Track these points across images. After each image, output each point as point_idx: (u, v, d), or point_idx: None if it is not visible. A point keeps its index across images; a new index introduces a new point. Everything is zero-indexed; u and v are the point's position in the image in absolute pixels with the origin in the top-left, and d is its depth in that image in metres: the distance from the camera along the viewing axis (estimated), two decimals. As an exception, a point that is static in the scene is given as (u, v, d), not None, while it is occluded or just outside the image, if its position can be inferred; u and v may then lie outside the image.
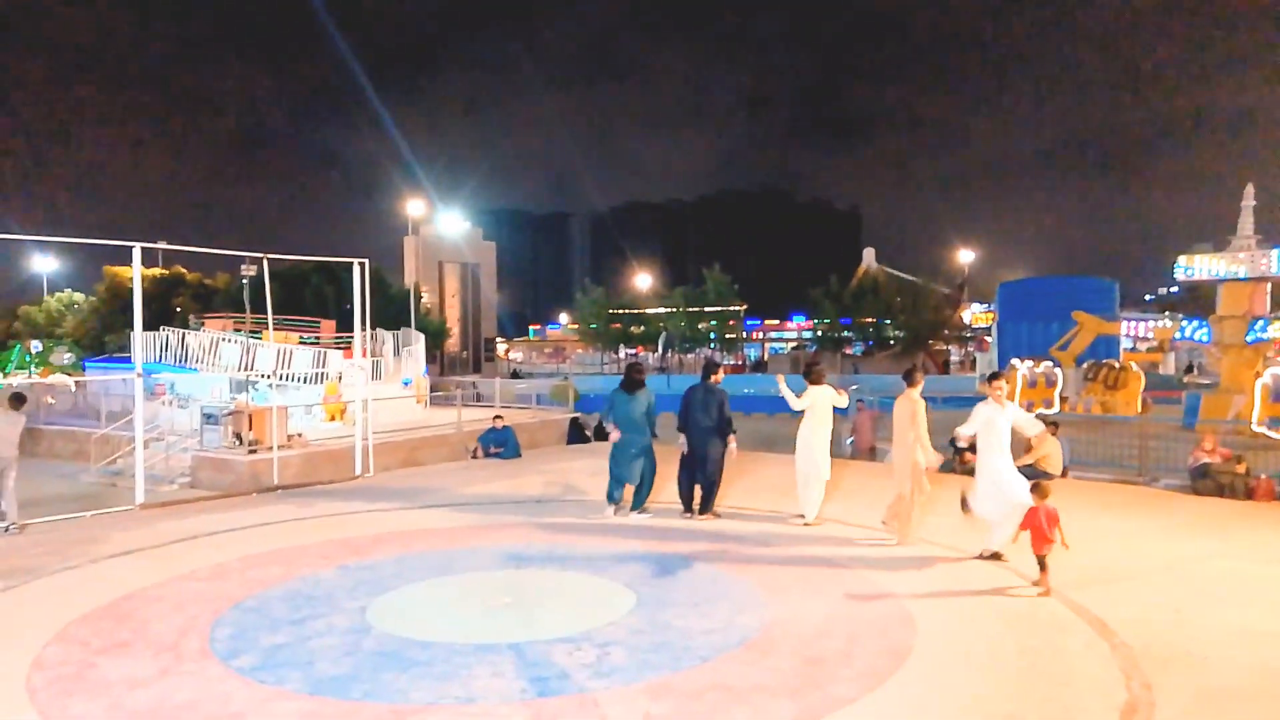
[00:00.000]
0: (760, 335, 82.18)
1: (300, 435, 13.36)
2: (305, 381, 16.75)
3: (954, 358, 59.08)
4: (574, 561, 7.79)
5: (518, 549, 8.26)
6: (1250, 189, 22.47)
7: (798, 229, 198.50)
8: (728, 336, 67.60)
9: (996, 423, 7.71)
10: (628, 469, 9.64)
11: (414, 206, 50.67)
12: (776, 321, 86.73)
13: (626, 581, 7.06)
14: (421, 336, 21.04)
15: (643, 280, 76.53)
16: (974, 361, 53.54)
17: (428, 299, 53.34)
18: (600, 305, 69.78)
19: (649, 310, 69.31)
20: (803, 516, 9.28)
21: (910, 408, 8.20)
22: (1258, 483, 10.61)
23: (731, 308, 67.42)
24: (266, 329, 17.42)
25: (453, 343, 57.29)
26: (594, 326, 69.13)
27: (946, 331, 62.65)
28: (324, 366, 16.98)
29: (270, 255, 13.81)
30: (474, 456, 14.61)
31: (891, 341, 60.49)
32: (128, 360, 14.52)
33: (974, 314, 74.85)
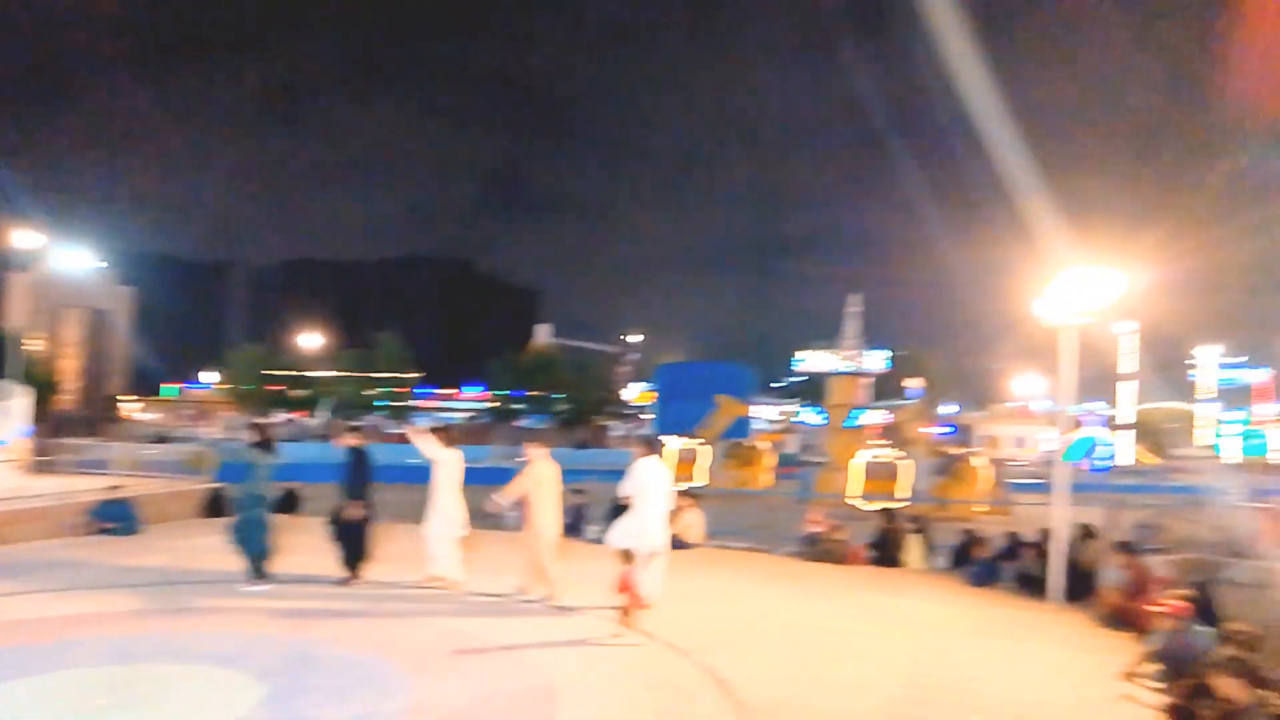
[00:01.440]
0: (433, 404, 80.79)
1: None
2: None
3: (618, 432, 62.53)
4: (195, 652, 6.92)
5: (125, 641, 7.17)
6: (855, 298, 26.94)
7: (477, 301, 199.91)
8: (397, 404, 65.71)
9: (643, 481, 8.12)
10: (256, 537, 9.21)
11: (29, 239, 43.21)
12: (452, 391, 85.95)
13: (258, 671, 6.41)
14: (25, 390, 17.87)
15: (309, 340, 72.03)
16: (625, 438, 57.32)
17: (39, 346, 45.62)
18: (255, 364, 64.38)
19: (314, 373, 65.30)
20: (444, 579, 9.34)
21: (551, 474, 8.81)
22: (851, 549, 12.40)
23: (404, 375, 65.84)
24: None
25: (69, 399, 49.32)
26: (248, 387, 63.47)
27: (609, 408, 66.48)
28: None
29: None
30: (83, 533, 12.56)
31: (558, 414, 62.69)
32: None
33: (639, 392, 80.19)
